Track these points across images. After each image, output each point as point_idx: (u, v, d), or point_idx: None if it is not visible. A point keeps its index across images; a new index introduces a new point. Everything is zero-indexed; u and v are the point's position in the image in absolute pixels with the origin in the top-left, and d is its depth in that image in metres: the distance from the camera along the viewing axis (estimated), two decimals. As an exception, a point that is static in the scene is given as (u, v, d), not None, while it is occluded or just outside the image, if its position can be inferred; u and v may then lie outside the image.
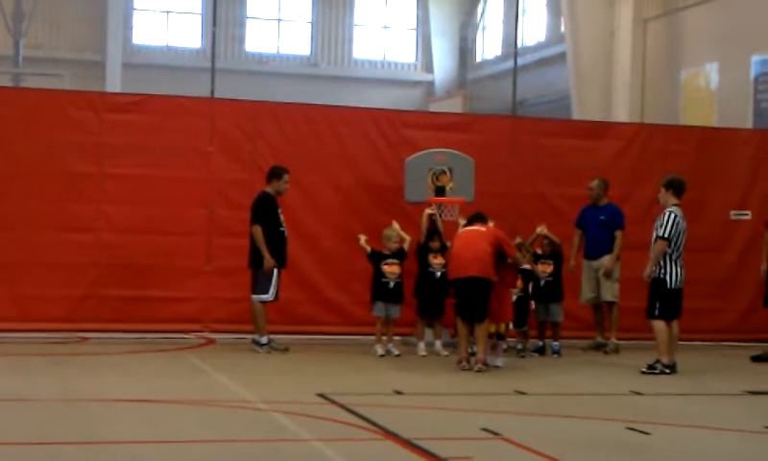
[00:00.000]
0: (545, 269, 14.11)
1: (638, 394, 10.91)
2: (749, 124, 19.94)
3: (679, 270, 12.64)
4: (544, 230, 14.21)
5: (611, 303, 14.63)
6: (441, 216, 14.36)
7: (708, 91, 21.82)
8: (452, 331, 14.13)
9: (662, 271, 12.56)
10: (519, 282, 13.50)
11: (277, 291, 13.60)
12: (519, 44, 24.56)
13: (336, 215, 15.17)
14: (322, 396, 9.93)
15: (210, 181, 14.91)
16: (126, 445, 7.69)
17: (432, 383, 11.44)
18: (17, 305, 14.20)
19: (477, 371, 12.06)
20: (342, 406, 9.38)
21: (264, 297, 13.51)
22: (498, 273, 12.49)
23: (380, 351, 13.49)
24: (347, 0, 36.00)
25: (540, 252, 14.20)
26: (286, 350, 13.56)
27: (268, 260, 13.35)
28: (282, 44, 35.77)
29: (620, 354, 14.23)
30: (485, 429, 8.38)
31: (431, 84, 36.39)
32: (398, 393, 10.38)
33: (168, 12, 34.73)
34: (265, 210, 13.53)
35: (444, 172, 14.63)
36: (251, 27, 35.48)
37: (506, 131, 16.04)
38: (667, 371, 12.45)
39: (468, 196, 14.53)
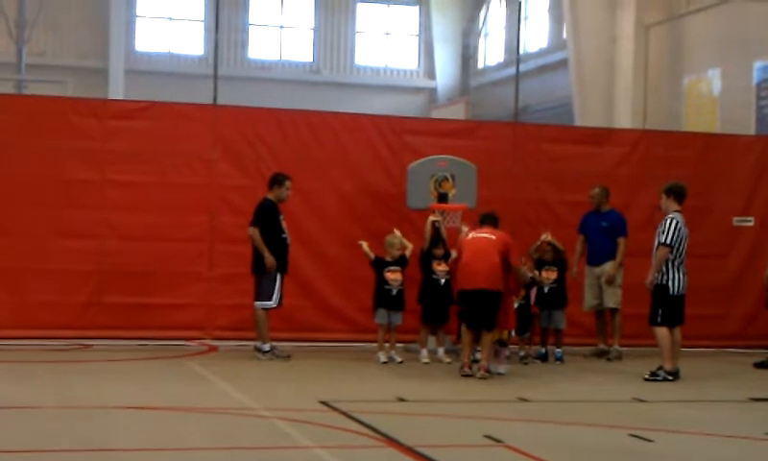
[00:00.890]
0: (549, 276, 14.11)
1: (641, 401, 10.90)
2: (751, 130, 19.92)
3: (681, 276, 12.63)
4: (549, 236, 14.22)
5: (613, 310, 14.63)
6: (443, 223, 14.35)
7: (711, 98, 21.81)
8: (455, 338, 14.12)
9: (665, 277, 12.56)
10: (521, 290, 13.50)
11: (281, 298, 13.59)
12: (522, 51, 24.53)
13: (338, 222, 15.16)
14: (324, 403, 9.92)
15: (213, 188, 14.91)
16: (128, 452, 7.68)
17: (435, 390, 11.42)
18: (19, 312, 14.19)
19: (480, 377, 12.04)
20: (344, 414, 9.37)
21: (267, 304, 13.50)
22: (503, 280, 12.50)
23: (383, 358, 13.47)
24: (349, 7, 36.03)
25: (543, 258, 14.19)
26: (288, 357, 13.55)
27: (269, 259, 13.34)
28: (285, 51, 35.79)
29: (623, 361, 14.21)
30: (487, 436, 8.37)
31: (433, 90, 36.40)
32: (401, 400, 10.37)
33: (171, 18, 34.76)
34: (266, 216, 13.53)
35: (446, 178, 14.63)
36: (253, 34, 35.50)
37: (508, 137, 16.04)
38: (670, 378, 12.44)
39: (471, 202, 14.52)
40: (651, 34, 23.81)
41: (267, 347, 13.49)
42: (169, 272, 14.69)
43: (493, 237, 12.53)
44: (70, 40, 33.12)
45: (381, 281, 13.63)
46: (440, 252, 13.84)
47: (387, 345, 13.60)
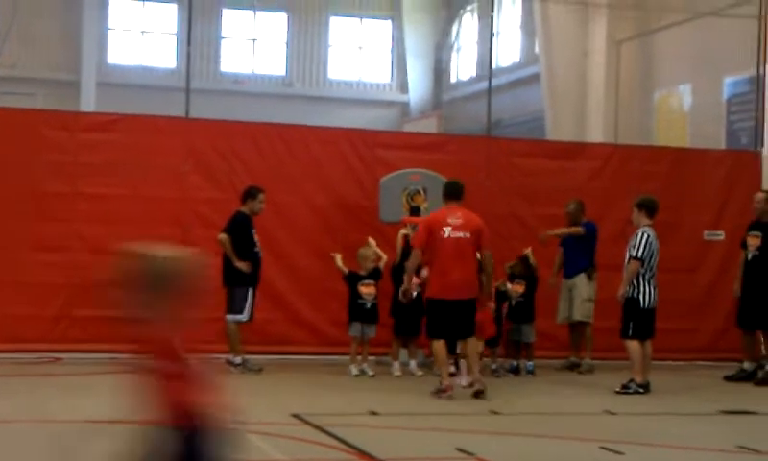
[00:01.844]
0: (517, 289, 14.15)
1: (612, 413, 10.94)
2: (722, 145, 20.06)
3: (652, 290, 12.72)
4: (529, 251, 14.28)
5: (583, 323, 14.70)
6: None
7: (681, 112, 21.95)
8: (427, 351, 14.15)
9: (636, 291, 12.64)
10: (492, 303, 13.50)
11: (252, 311, 13.57)
12: (494, 65, 24.58)
13: (311, 234, 15.16)
14: (296, 416, 9.91)
15: (185, 201, 14.87)
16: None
17: (407, 404, 11.42)
18: (-10, 326, 14.11)
19: (478, 391, 11.61)
20: (316, 427, 9.36)
21: (239, 317, 13.48)
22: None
23: (355, 370, 13.47)
24: (321, 21, 36.05)
25: (513, 271, 14.24)
26: (260, 370, 13.52)
27: (239, 265, 13.32)
28: (257, 65, 35.77)
29: (594, 374, 14.27)
30: (459, 450, 8.38)
31: (406, 104, 36.45)
32: (373, 413, 10.37)
33: (143, 31, 34.68)
34: (238, 228, 13.53)
35: (418, 192, 14.68)
36: (226, 47, 35.47)
37: (481, 151, 16.09)
38: (641, 390, 12.50)
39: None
40: (622, 49, 23.95)
41: (239, 360, 13.46)
42: (141, 285, 14.60)
43: (469, 235, 11.85)
44: (42, 53, 32.95)
45: (355, 295, 13.63)
46: None
47: (359, 358, 13.61)
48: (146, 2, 34.67)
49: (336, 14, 36.24)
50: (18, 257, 14.32)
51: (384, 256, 13.88)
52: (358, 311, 13.60)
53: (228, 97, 32.34)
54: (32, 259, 14.33)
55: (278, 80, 35.82)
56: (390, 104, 36.53)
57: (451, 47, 35.74)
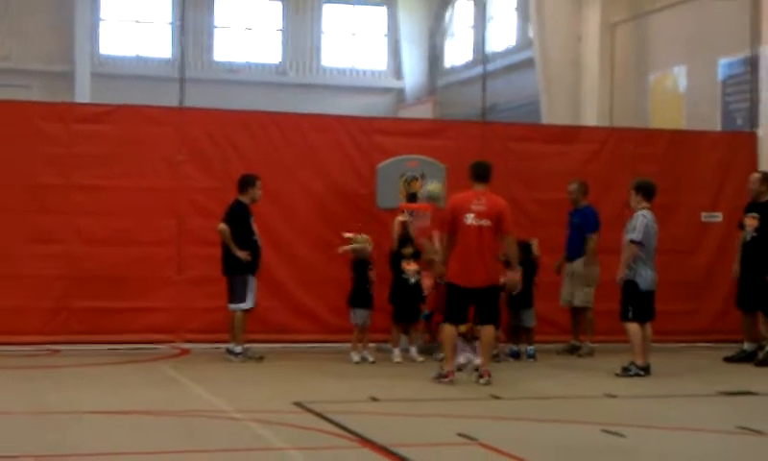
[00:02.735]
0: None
1: (613, 397, 10.94)
2: (717, 126, 20.01)
3: (650, 272, 12.72)
4: (535, 242, 14.32)
5: (582, 308, 14.70)
6: (413, 222, 14.37)
7: (677, 94, 21.89)
8: (428, 337, 14.16)
9: (635, 274, 12.63)
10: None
11: (254, 298, 13.56)
12: (488, 50, 24.61)
13: (308, 222, 15.15)
14: (298, 404, 9.90)
15: (180, 191, 14.85)
16: (99, 457, 7.63)
17: (408, 390, 11.41)
18: (-13, 318, 14.08)
19: (485, 384, 11.47)
20: (318, 414, 9.35)
21: (243, 305, 13.47)
22: None
23: (356, 358, 13.46)
24: (315, 8, 35.96)
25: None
26: (261, 358, 13.51)
27: (239, 253, 13.29)
28: (251, 53, 35.68)
29: (595, 357, 14.27)
30: (461, 435, 8.37)
31: (401, 90, 36.38)
32: (374, 400, 10.36)
33: (137, 21, 34.57)
34: (237, 218, 13.50)
35: (415, 178, 14.65)
36: (219, 36, 35.37)
37: (477, 136, 16.05)
38: (642, 373, 12.50)
39: (440, 202, 14.52)
40: (617, 31, 23.88)
41: (239, 349, 13.45)
42: (138, 276, 14.62)
43: (490, 223, 11.63)
44: (35, 45, 32.84)
45: (363, 281, 13.59)
46: (408, 251, 13.83)
47: (360, 345, 13.59)
48: (139, -8, 34.58)
49: (330, 1, 36.15)
50: (15, 250, 14.30)
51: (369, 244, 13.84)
52: (363, 298, 13.53)
53: (222, 86, 32.28)
54: (28, 251, 14.31)
55: (272, 68, 35.74)
56: (385, 90, 36.46)
57: (446, 32, 35.68)
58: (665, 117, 21.78)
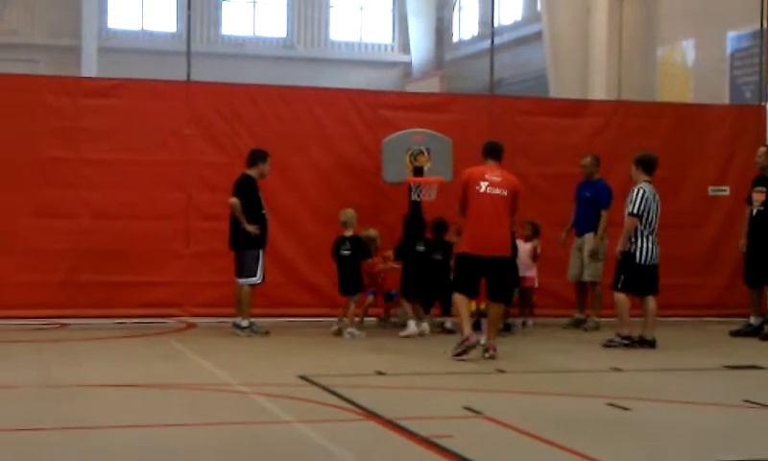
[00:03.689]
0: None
1: (619, 370, 10.95)
2: (725, 100, 19.98)
3: (650, 246, 12.70)
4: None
5: (591, 283, 14.70)
6: (419, 196, 14.40)
7: (685, 68, 21.84)
8: (437, 312, 14.24)
9: (633, 246, 12.67)
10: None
11: (264, 273, 13.58)
12: (496, 23, 24.45)
13: (314, 196, 15.17)
14: (303, 378, 9.92)
15: (188, 165, 14.87)
16: (107, 429, 7.67)
17: (413, 363, 11.44)
18: (-5, 292, 14.14)
19: (489, 358, 11.33)
20: (323, 388, 9.37)
21: (252, 280, 13.48)
22: None
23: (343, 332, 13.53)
24: (322, -19, 35.91)
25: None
26: (267, 333, 13.54)
27: (249, 227, 13.30)
28: (258, 27, 35.64)
29: (600, 332, 14.26)
30: (467, 408, 8.39)
31: (408, 64, 36.35)
32: (380, 373, 10.38)
33: (143, -5, 34.56)
34: (246, 192, 13.49)
35: (421, 152, 14.63)
36: (226, 10, 35.34)
37: (484, 110, 16.04)
38: (626, 342, 12.55)
39: (446, 176, 14.53)
40: (624, 5, 23.81)
41: (245, 323, 13.48)
42: (146, 250, 14.66)
43: (506, 193, 11.44)
44: (42, 19, 32.86)
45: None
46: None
47: (347, 319, 13.61)
48: (145, -34, 34.53)
49: (337, -25, 36.09)
50: (23, 224, 14.35)
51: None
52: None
53: (228, 60, 32.29)
54: (36, 225, 14.35)
55: (279, 42, 35.72)
56: (392, 64, 36.43)
57: (453, 6, 35.58)
58: (673, 91, 21.75)
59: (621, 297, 12.72)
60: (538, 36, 27.07)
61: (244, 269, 13.48)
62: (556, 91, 24.36)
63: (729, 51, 20.25)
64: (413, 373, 10.78)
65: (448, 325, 13.84)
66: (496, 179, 11.47)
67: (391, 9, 36.75)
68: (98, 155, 14.57)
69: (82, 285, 14.49)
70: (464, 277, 11.56)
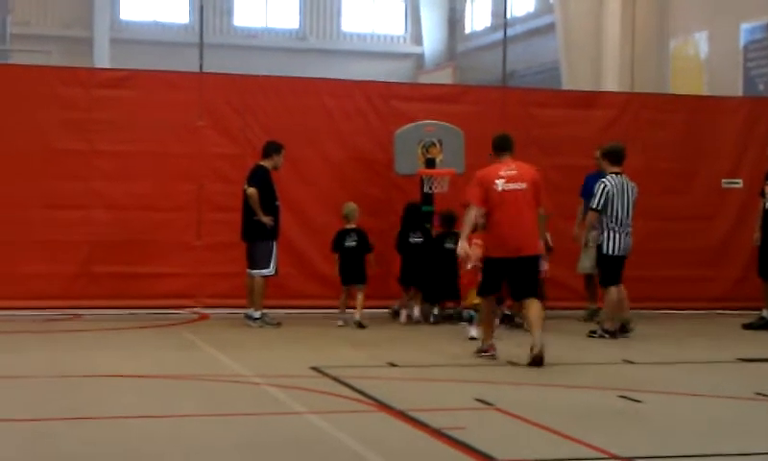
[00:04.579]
0: None
1: (631, 363, 10.94)
2: (739, 92, 19.92)
3: (617, 237, 12.83)
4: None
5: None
6: (431, 188, 14.41)
7: (697, 60, 21.79)
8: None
9: (600, 238, 12.90)
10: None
11: (277, 265, 13.60)
12: (509, 15, 24.47)
13: (326, 188, 15.16)
14: (315, 369, 9.94)
15: (200, 156, 14.88)
16: (119, 420, 7.69)
17: (425, 355, 11.44)
18: (9, 284, 14.18)
19: (537, 355, 10.35)
20: (336, 379, 9.39)
21: (266, 271, 13.49)
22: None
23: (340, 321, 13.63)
24: (334, -27, 35.88)
25: None
26: (279, 324, 13.55)
27: (265, 219, 13.31)
28: (270, 18, 35.64)
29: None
30: (478, 400, 8.40)
31: (420, 56, 36.32)
32: (392, 365, 10.39)
33: (156, -13, 34.58)
34: (263, 182, 13.49)
35: (433, 144, 14.63)
36: (239, 1, 35.34)
37: (496, 102, 16.02)
38: (606, 335, 12.69)
39: (459, 167, 14.52)
40: (638, -3, 23.77)
41: (257, 314, 13.49)
42: (158, 241, 14.69)
43: (525, 186, 10.69)
44: (54, 10, 32.92)
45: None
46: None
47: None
48: (158, -43, 34.56)
49: (349, -33, 36.08)
50: (36, 215, 14.39)
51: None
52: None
53: (241, 52, 32.31)
54: (49, 217, 14.39)
55: (292, 33, 35.72)
56: (404, 56, 36.41)
57: (465, -2, 35.52)
58: (686, 83, 21.70)
59: (610, 291, 12.88)
60: (550, 27, 27.02)
61: (257, 260, 13.48)
62: (568, 83, 24.32)
63: (742, 43, 20.20)
64: (425, 364, 10.79)
65: (465, 315, 13.84)
66: (512, 172, 10.74)
67: (403, 0, 36.71)
68: (110, 146, 14.59)
69: (94, 276, 14.53)
70: (492, 281, 10.86)
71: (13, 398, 8.56)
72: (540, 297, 11.91)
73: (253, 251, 13.52)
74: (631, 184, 12.96)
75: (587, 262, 14.72)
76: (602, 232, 12.85)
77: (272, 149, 13.68)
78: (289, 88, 15.45)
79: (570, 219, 14.82)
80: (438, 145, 14.62)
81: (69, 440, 7.01)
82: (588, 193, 14.75)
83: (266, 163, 13.63)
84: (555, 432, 7.27)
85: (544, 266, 14.26)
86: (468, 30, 35.38)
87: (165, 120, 14.79)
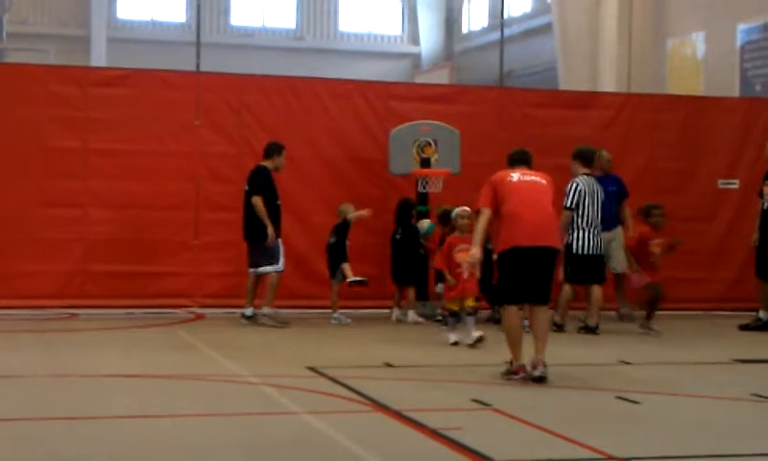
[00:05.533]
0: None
1: (627, 363, 10.94)
2: (736, 93, 19.93)
3: (587, 236, 13.08)
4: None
5: (624, 274, 14.37)
6: (425, 188, 14.43)
7: (695, 61, 21.79)
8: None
9: (570, 237, 13.07)
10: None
11: (284, 260, 13.62)
12: (506, 15, 24.45)
13: (323, 187, 15.16)
14: (312, 369, 9.93)
15: (197, 156, 14.88)
16: (116, 420, 7.68)
17: (422, 355, 11.43)
18: (5, 283, 14.17)
19: (539, 377, 9.36)
20: (332, 379, 9.38)
21: (277, 266, 13.50)
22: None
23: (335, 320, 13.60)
24: (332, -27, 35.87)
25: None
26: (287, 323, 13.46)
27: (270, 231, 13.31)
28: (268, 18, 35.63)
29: (612, 324, 14.21)
30: (475, 400, 8.39)
31: (417, 56, 36.32)
32: (389, 365, 10.39)
33: (153, -14, 34.56)
34: (266, 182, 13.48)
35: (428, 143, 14.64)
36: (235, 1, 35.31)
37: (493, 102, 16.03)
38: (556, 328, 12.88)
39: (454, 167, 14.53)
40: (635, -3, 23.77)
41: (268, 310, 13.45)
42: (154, 240, 14.68)
43: (544, 182, 9.77)
44: (51, 8, 32.90)
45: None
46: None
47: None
48: (155, -44, 34.54)
49: (346, -34, 36.07)
50: (32, 214, 14.38)
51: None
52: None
53: (238, 51, 32.31)
54: (45, 216, 14.38)
55: (289, 33, 35.71)
56: (401, 55, 36.42)
57: (462, -2, 35.53)
58: (683, 83, 21.70)
59: (565, 288, 13.17)
60: (547, 27, 27.03)
61: (263, 257, 13.44)
62: (565, 83, 24.31)
63: (739, 43, 20.20)
64: (421, 365, 10.78)
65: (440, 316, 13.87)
66: (528, 173, 9.87)
67: (400, 0, 36.71)
68: (107, 145, 14.58)
69: (91, 275, 14.52)
70: (510, 282, 9.48)
71: (9, 397, 8.53)
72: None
73: (261, 250, 13.49)
74: (598, 186, 13.21)
75: (612, 262, 14.49)
76: (572, 232, 13.05)
77: (273, 149, 13.67)
78: (286, 88, 15.44)
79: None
80: (433, 145, 14.63)
81: (65, 440, 7.00)
82: (611, 196, 14.76)
83: (267, 164, 13.62)
84: (552, 433, 7.27)
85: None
86: (465, 30, 35.38)
87: (162, 119, 14.79)
